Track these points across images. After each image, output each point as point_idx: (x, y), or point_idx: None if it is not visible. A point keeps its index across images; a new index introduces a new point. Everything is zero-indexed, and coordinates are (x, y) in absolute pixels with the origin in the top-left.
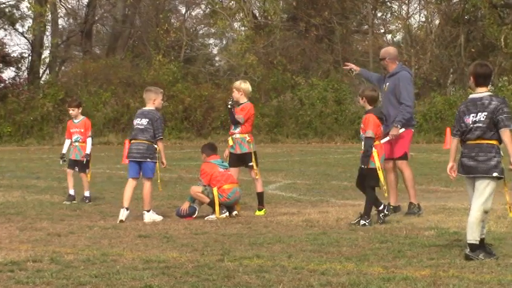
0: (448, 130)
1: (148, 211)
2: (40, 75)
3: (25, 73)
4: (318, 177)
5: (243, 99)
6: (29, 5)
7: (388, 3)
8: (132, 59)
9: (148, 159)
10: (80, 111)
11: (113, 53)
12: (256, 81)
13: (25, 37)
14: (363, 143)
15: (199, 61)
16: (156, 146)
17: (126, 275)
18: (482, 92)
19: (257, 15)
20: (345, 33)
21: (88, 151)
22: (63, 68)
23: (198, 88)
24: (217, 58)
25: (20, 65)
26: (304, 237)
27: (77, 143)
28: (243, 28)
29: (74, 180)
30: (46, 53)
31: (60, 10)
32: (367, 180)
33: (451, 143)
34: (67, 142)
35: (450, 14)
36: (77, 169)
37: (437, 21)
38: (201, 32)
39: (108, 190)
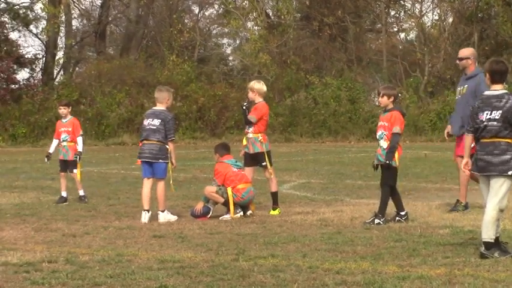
0: None
1: (162, 211)
2: (54, 76)
3: (39, 74)
4: (332, 176)
5: (258, 99)
6: (42, 6)
7: (401, 1)
8: (145, 59)
9: (161, 160)
10: (69, 110)
11: (126, 54)
12: (270, 80)
13: (39, 38)
14: (382, 141)
15: (212, 61)
16: (167, 146)
17: (141, 275)
18: (497, 90)
19: (270, 14)
20: (358, 32)
21: (80, 149)
22: (77, 68)
23: (212, 88)
24: (230, 58)
25: (34, 66)
26: (319, 237)
27: (64, 143)
28: (256, 28)
29: (66, 183)
30: (60, 54)
31: (73, 11)
32: (384, 179)
33: (465, 139)
34: (54, 142)
35: (464, 12)
36: (68, 171)
37: (450, 20)
38: (214, 31)
39: (123, 190)
